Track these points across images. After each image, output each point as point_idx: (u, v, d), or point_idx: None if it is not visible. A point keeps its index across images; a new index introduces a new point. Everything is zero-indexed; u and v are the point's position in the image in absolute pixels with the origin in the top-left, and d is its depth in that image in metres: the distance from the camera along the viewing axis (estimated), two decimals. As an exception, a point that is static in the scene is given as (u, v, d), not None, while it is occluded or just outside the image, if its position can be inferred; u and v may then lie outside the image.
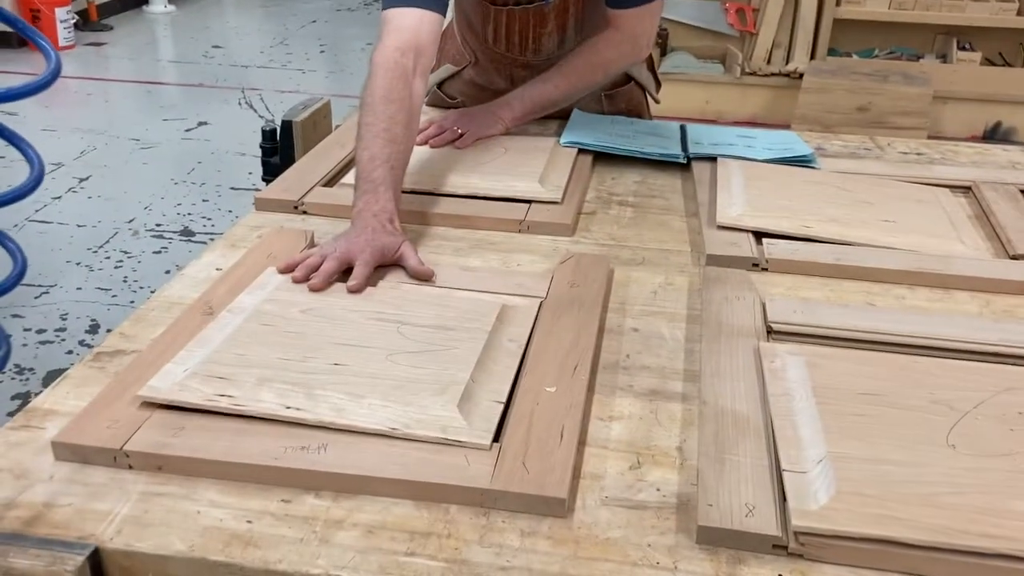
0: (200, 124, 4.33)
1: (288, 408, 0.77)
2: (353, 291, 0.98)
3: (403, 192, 1.24)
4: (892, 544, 0.66)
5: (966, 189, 1.39)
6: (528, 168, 1.33)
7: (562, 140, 1.46)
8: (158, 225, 3.23)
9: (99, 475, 0.73)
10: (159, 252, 3.03)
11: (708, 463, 0.74)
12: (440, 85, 1.71)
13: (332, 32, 6.29)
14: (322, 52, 5.77)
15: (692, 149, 1.46)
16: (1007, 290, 1.08)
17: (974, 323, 0.99)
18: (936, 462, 0.73)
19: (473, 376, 0.82)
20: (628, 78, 1.66)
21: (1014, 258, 1.15)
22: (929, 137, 4.33)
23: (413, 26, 1.21)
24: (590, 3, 1.47)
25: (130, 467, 0.74)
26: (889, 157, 1.55)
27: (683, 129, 1.58)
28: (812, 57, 4.49)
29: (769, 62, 4.43)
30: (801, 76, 4.18)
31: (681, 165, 1.44)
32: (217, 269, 1.07)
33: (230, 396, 0.78)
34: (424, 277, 1.03)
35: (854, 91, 4.03)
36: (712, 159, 1.42)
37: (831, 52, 4.56)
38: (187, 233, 3.15)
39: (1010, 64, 4.55)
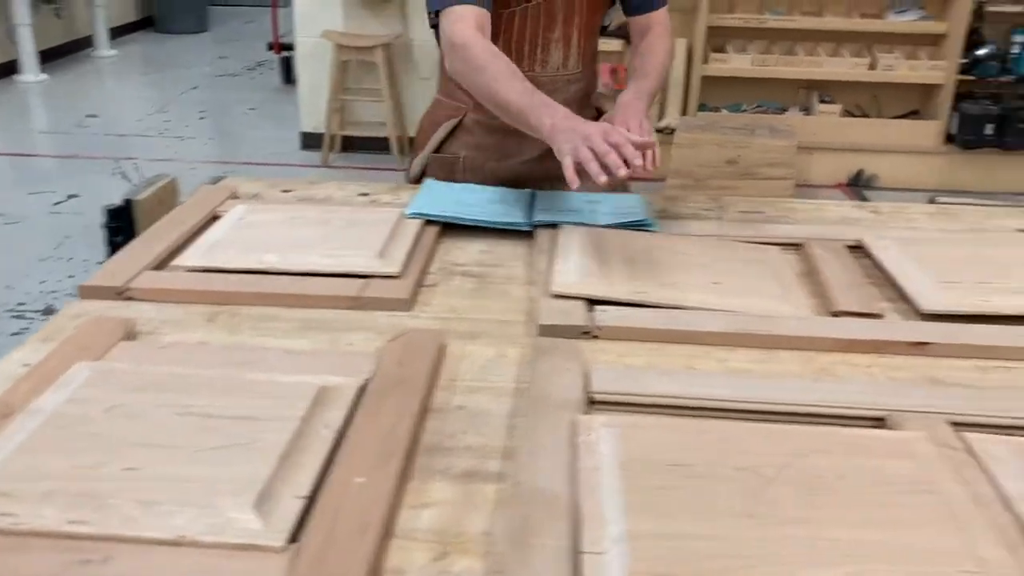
0: (70, 197, 4.18)
1: (71, 522, 0.73)
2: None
3: (232, 272, 1.22)
4: (684, 623, 0.66)
5: (798, 247, 1.44)
6: (369, 241, 1.32)
7: (407, 211, 1.46)
8: (20, 304, 3.08)
9: None
10: (18, 333, 2.88)
11: (513, 549, 0.73)
12: (437, 149, 1.72)
13: (213, 98, 6.21)
14: (202, 119, 5.68)
15: (536, 216, 1.48)
16: (826, 347, 1.11)
17: (789, 384, 1.01)
18: (733, 534, 0.73)
19: (277, 470, 0.79)
20: None
21: (835, 315, 1.20)
22: (797, 186, 4.53)
23: (471, 15, 1.42)
24: (594, 18, 1.63)
25: None
26: (729, 217, 1.59)
27: (533, 195, 1.60)
28: (684, 113, 4.66)
29: (644, 119, 4.57)
30: (673, 132, 4.33)
31: (530, 233, 1.45)
32: (24, 366, 1.01)
33: (11, 515, 0.73)
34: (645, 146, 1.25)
35: (723, 145, 4.19)
36: (555, 226, 1.44)
37: (702, 107, 4.74)
38: (50, 312, 3.02)
39: (867, 115, 4.81)
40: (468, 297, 1.24)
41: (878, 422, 0.95)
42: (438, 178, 1.69)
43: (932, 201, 1.72)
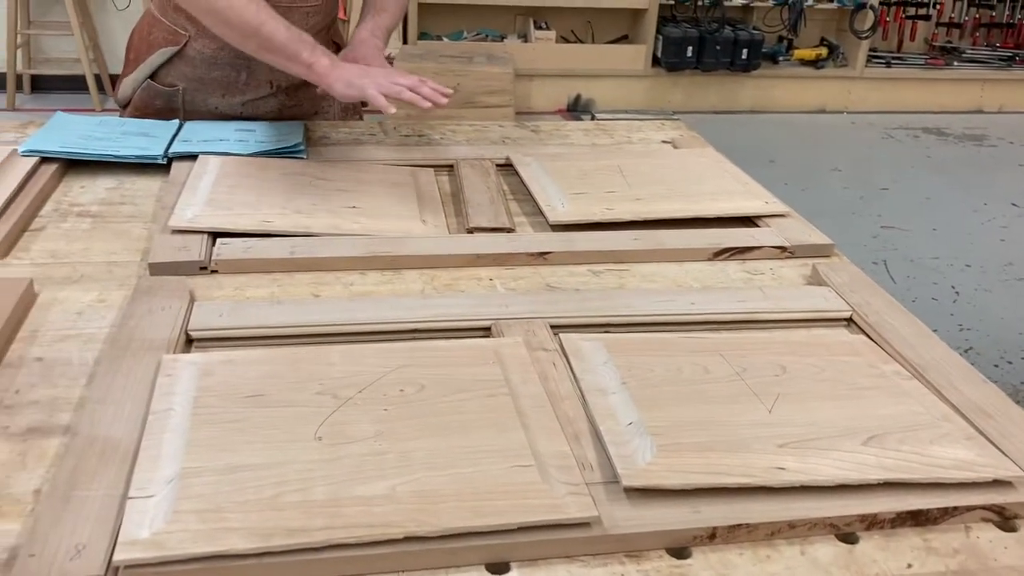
0: None
1: None
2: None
3: None
4: (225, 558, 0.63)
5: (450, 167, 1.44)
6: (-34, 186, 1.17)
7: (22, 148, 1.31)
8: None
9: None
10: None
11: (50, 504, 0.67)
12: (153, 76, 1.54)
13: None
14: None
15: (177, 147, 1.38)
16: (453, 264, 1.12)
17: (404, 303, 1.00)
18: (295, 459, 0.71)
19: None
20: None
21: (470, 231, 1.21)
22: (519, 114, 4.63)
23: None
24: None
25: None
26: (391, 141, 1.57)
27: (181, 126, 1.50)
28: (405, 42, 4.60)
29: (364, 48, 4.46)
30: (392, 61, 4.26)
31: (168, 167, 1.35)
32: None
33: None
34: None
35: (442, 73, 4.17)
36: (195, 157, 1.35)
37: (423, 36, 4.71)
38: None
39: (581, 41, 4.98)
40: (78, 240, 1.13)
41: (486, 332, 0.97)
42: (156, 109, 1.55)
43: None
